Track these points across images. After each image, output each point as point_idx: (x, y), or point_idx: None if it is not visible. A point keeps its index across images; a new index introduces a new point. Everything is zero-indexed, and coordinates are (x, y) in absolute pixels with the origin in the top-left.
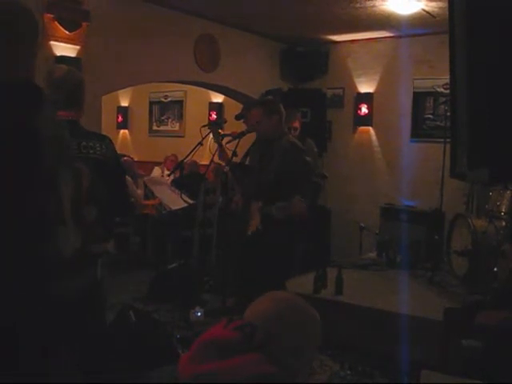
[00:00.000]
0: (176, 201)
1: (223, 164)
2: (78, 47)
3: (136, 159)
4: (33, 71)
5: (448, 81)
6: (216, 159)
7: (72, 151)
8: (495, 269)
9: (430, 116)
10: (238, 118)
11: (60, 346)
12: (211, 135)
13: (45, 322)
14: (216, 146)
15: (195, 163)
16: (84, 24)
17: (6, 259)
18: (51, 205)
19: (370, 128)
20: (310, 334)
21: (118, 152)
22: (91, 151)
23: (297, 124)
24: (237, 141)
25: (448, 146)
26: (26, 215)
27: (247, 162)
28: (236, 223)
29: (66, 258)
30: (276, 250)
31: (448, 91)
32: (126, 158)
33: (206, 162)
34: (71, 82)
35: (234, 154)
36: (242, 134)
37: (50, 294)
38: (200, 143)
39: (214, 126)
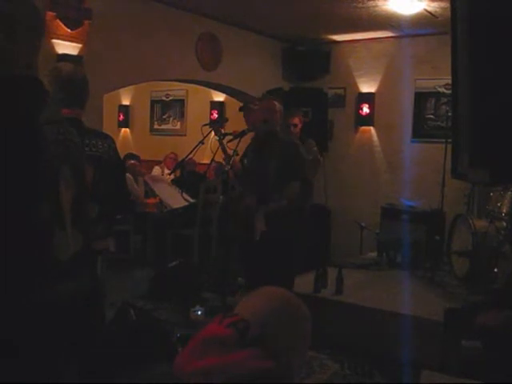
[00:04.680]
0: (177, 199)
1: (224, 163)
2: (79, 45)
3: None
4: (36, 68)
5: (450, 81)
6: (217, 158)
7: (79, 148)
8: (495, 269)
9: (432, 116)
10: (241, 109)
11: (59, 346)
12: (212, 134)
13: (41, 325)
14: (217, 144)
15: (193, 162)
16: (86, 22)
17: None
18: (49, 210)
19: (372, 128)
20: (302, 327)
21: (123, 152)
22: (94, 149)
23: (296, 121)
24: (237, 140)
25: (449, 146)
26: (22, 222)
27: (245, 163)
28: (240, 226)
29: (64, 262)
30: (280, 248)
31: (450, 91)
32: (132, 162)
33: (207, 160)
34: (77, 79)
35: (235, 153)
36: (243, 133)
37: (45, 299)
38: (201, 142)
39: (215, 126)
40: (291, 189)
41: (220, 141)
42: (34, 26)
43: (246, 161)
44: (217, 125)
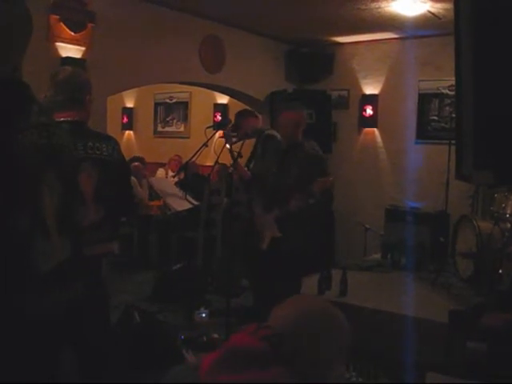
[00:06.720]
0: (181, 202)
1: (230, 166)
2: (83, 48)
3: None
4: (20, 70)
5: (453, 82)
6: (220, 160)
7: (70, 151)
8: (500, 271)
9: (435, 118)
10: (234, 126)
11: (57, 352)
12: (216, 136)
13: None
14: (222, 147)
15: (194, 164)
16: (89, 25)
17: None
18: (28, 219)
19: (375, 129)
20: (337, 344)
21: (127, 154)
22: (97, 152)
23: None
24: (241, 142)
25: (453, 147)
26: None
27: (251, 166)
28: (247, 233)
29: (49, 272)
30: (293, 252)
31: (453, 93)
32: (136, 164)
33: (210, 163)
34: (74, 83)
35: (239, 155)
36: (246, 135)
37: (24, 309)
38: (205, 144)
39: (228, 134)
40: (320, 182)
41: (231, 150)
42: (24, 30)
43: (251, 165)
44: (221, 128)
